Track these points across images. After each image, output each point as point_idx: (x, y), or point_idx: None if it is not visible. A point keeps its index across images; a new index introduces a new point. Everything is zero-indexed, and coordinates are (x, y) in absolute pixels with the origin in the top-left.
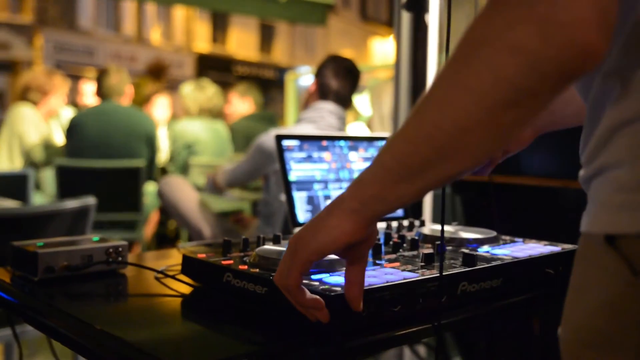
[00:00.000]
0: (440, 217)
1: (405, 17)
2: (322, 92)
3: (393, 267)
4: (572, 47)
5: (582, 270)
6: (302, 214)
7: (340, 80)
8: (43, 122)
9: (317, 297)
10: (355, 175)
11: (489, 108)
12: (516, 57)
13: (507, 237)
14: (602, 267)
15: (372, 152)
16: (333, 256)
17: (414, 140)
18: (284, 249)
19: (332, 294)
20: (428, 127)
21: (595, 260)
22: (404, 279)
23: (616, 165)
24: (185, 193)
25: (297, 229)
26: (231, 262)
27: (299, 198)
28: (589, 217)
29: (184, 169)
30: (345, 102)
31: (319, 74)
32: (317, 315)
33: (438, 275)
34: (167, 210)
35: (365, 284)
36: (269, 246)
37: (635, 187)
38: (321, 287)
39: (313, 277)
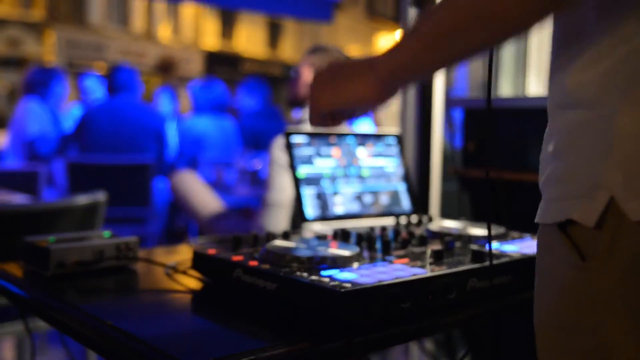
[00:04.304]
0: (446, 212)
1: (413, 14)
2: None
3: (402, 264)
4: None
5: (540, 258)
6: (311, 209)
7: None
8: (48, 116)
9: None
10: (364, 172)
11: None
12: None
13: (516, 233)
14: (556, 255)
15: (380, 148)
16: (344, 252)
17: (454, 7)
18: (294, 245)
19: (342, 290)
20: None
21: (550, 249)
22: (414, 275)
23: (555, 157)
24: (197, 188)
25: (305, 225)
26: (241, 258)
27: (308, 194)
28: (541, 209)
29: (193, 165)
30: None
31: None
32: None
33: (447, 272)
34: (179, 204)
35: (375, 280)
36: (278, 242)
37: (570, 178)
38: (331, 284)
39: (323, 273)
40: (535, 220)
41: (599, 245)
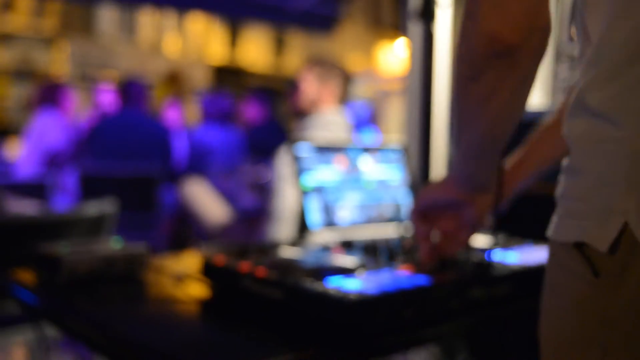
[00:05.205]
0: None
1: (417, 28)
2: (328, 100)
3: (406, 272)
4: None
5: (553, 272)
6: (316, 219)
7: (340, 85)
8: (61, 127)
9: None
10: (368, 182)
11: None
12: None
13: (518, 240)
14: (569, 270)
15: (384, 158)
16: (349, 261)
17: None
18: (300, 254)
19: (348, 299)
20: None
21: (563, 264)
22: (417, 284)
23: (570, 171)
24: (205, 196)
25: (311, 234)
26: (249, 266)
27: (312, 204)
28: (555, 224)
29: (201, 174)
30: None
31: (321, 80)
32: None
33: (450, 280)
34: (187, 212)
35: (380, 289)
36: (285, 251)
37: (585, 197)
38: (337, 293)
39: (329, 282)
40: (548, 235)
41: (612, 266)
